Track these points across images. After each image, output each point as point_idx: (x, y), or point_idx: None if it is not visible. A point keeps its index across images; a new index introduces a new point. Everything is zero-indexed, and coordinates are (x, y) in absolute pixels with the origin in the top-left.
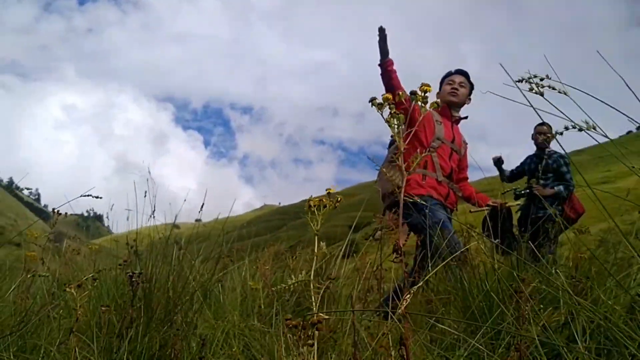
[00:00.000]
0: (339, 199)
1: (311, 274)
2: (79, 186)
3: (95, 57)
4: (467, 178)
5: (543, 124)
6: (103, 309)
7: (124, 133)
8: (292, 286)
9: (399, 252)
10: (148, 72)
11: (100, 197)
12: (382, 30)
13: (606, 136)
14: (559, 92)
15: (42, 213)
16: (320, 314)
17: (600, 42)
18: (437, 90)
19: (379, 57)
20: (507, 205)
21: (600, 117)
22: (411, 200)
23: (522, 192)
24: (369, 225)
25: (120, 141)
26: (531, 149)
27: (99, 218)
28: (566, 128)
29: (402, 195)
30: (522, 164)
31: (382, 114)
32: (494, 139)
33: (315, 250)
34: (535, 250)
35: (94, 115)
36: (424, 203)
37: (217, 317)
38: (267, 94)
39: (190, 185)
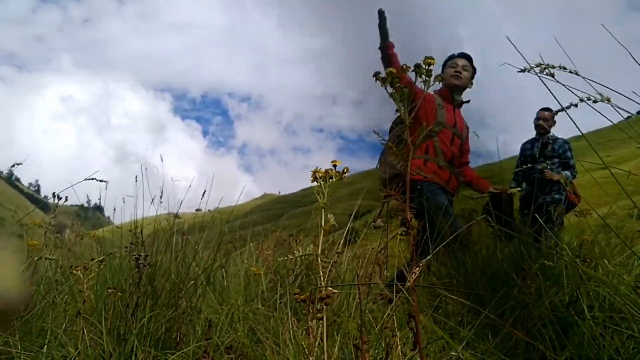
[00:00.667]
0: (345, 170)
1: (319, 247)
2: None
3: (92, 48)
4: (468, 162)
5: (546, 109)
6: (110, 291)
7: (122, 123)
8: (297, 263)
9: (407, 226)
10: (145, 62)
11: (106, 181)
12: (381, 13)
13: (623, 109)
14: (570, 72)
15: (42, 204)
16: (329, 289)
17: (599, 27)
18: (441, 75)
19: (378, 40)
20: (508, 191)
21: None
22: (414, 185)
23: (532, 175)
24: (369, 213)
25: (118, 131)
26: (526, 135)
27: (99, 209)
28: (581, 100)
29: (407, 176)
30: (523, 150)
31: (386, 89)
32: (494, 123)
33: (322, 224)
34: (537, 235)
35: (92, 106)
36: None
37: (221, 301)
38: (265, 82)
39: (190, 175)
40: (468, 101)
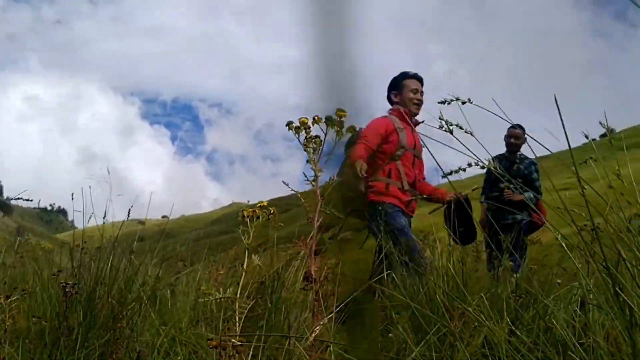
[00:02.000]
0: (272, 211)
1: (238, 290)
2: (42, 178)
3: (63, 49)
4: (425, 178)
5: (517, 126)
6: (34, 319)
7: (89, 126)
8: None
9: (309, 279)
10: (117, 65)
11: (31, 200)
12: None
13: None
14: (465, 131)
15: (4, 206)
16: (242, 338)
17: (566, 50)
18: (396, 91)
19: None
20: (464, 194)
21: (571, 123)
22: (375, 206)
23: (493, 194)
24: (337, 225)
25: (85, 134)
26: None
27: (62, 212)
28: (469, 165)
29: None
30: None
31: (298, 138)
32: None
33: (244, 265)
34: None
35: (59, 107)
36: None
37: (163, 323)
38: (237, 89)
39: (157, 180)
40: (423, 121)
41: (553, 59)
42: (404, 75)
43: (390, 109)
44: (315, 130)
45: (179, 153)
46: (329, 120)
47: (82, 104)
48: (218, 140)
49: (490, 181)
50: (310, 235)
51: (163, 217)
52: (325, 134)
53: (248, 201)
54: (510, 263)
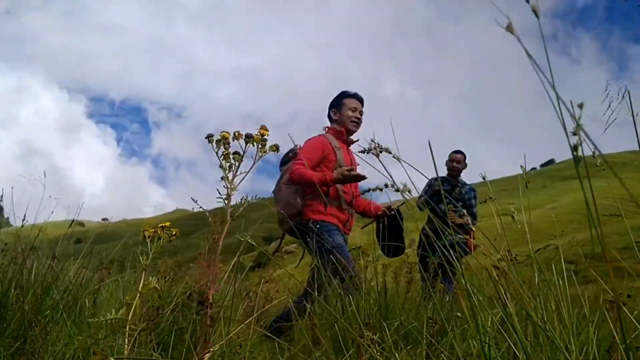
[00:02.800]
0: (174, 232)
1: (130, 311)
2: None
3: (10, 41)
4: (359, 194)
5: (458, 152)
6: None
7: (31, 120)
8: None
9: (204, 304)
10: (65, 60)
11: None
12: (361, 178)
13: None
14: (394, 156)
15: None
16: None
17: (513, 80)
18: (335, 109)
19: (335, 179)
20: (396, 207)
21: (511, 152)
22: (311, 225)
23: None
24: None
25: (26, 128)
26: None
27: None
28: (385, 185)
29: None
30: (430, 185)
31: (216, 153)
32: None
33: (140, 287)
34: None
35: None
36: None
37: (79, 333)
38: (188, 94)
39: (98, 182)
40: (357, 140)
41: (501, 87)
42: (344, 95)
43: (327, 127)
44: (235, 146)
45: (124, 155)
46: (249, 138)
47: (25, 97)
48: (165, 143)
49: (430, 196)
50: (214, 258)
51: (103, 219)
52: (244, 151)
53: (193, 208)
54: (441, 285)
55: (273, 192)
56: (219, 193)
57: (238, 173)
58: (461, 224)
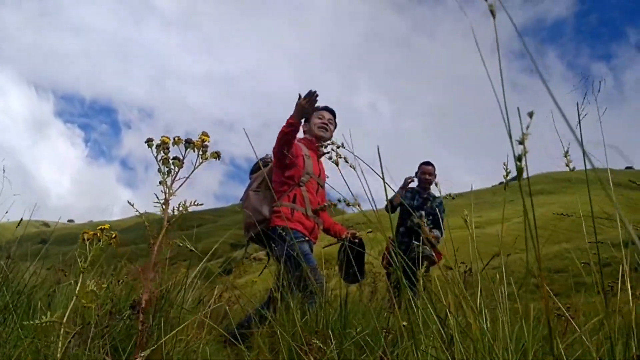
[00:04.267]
0: (114, 235)
1: (66, 314)
2: None
3: None
4: (325, 209)
5: (428, 163)
6: None
7: None
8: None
9: (136, 309)
10: (36, 59)
11: None
12: (313, 95)
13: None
14: (351, 166)
15: None
16: None
17: (483, 96)
18: (305, 123)
19: (294, 114)
20: (359, 236)
21: (481, 167)
22: (279, 231)
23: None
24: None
25: None
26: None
27: None
28: (339, 200)
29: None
30: (404, 197)
31: (156, 157)
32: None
33: (77, 290)
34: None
35: None
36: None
37: (28, 334)
38: (161, 96)
39: (64, 182)
40: (328, 153)
41: (473, 103)
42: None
43: (299, 138)
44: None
45: (91, 156)
46: (189, 143)
47: None
48: (135, 144)
49: (407, 212)
50: (151, 262)
51: (69, 221)
52: (184, 157)
53: (144, 214)
54: (410, 294)
55: (241, 199)
56: (157, 198)
57: (177, 178)
58: (434, 238)
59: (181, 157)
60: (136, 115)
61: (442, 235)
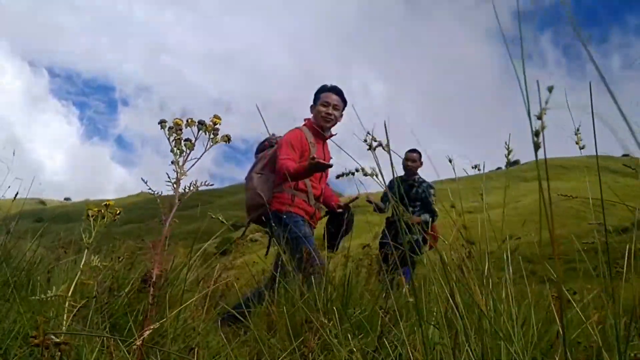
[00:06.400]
0: (118, 211)
1: (71, 288)
2: None
3: None
4: (329, 190)
5: (413, 150)
6: None
7: None
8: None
9: (148, 282)
10: (33, 34)
11: None
12: (327, 166)
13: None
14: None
15: None
16: (68, 335)
17: (481, 80)
18: (313, 104)
19: (303, 171)
20: (344, 204)
21: (477, 151)
22: (279, 215)
23: (391, 219)
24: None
25: None
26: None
27: None
28: (357, 170)
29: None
30: (389, 188)
31: (169, 139)
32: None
33: (81, 264)
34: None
35: None
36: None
37: (27, 310)
38: (158, 72)
39: (59, 158)
40: (335, 134)
41: (469, 87)
42: (321, 89)
43: (306, 119)
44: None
45: (87, 133)
46: (201, 125)
47: None
48: (132, 121)
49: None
50: (163, 237)
51: (65, 199)
52: (196, 138)
53: (155, 192)
54: (402, 278)
55: (245, 178)
56: (169, 177)
57: (189, 159)
58: (418, 222)
59: (193, 139)
60: (133, 91)
61: (432, 218)
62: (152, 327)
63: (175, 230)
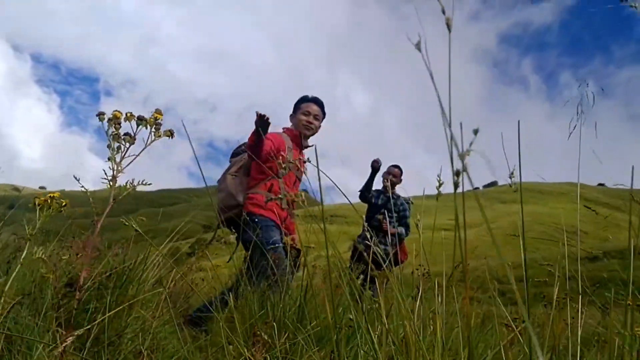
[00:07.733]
0: (64, 203)
1: (7, 283)
2: None
3: None
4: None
5: (395, 166)
6: None
7: None
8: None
9: (73, 286)
10: (19, 18)
11: None
12: (263, 117)
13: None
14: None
15: None
16: None
17: (464, 99)
18: (293, 113)
19: (251, 135)
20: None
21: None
22: (251, 218)
23: (371, 223)
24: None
25: None
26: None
27: None
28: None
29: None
30: (375, 197)
31: (106, 132)
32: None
33: (22, 258)
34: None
35: None
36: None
37: None
38: (144, 66)
39: (36, 146)
40: (313, 145)
41: (455, 102)
42: (302, 99)
43: (285, 128)
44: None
45: (66, 122)
46: (141, 120)
47: None
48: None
49: (372, 211)
50: (92, 239)
51: (41, 187)
52: (135, 133)
53: (135, 187)
54: (370, 292)
55: (218, 181)
56: (105, 174)
57: (127, 155)
58: (394, 233)
59: (132, 134)
60: (118, 82)
61: (405, 233)
62: (75, 333)
63: (152, 227)
